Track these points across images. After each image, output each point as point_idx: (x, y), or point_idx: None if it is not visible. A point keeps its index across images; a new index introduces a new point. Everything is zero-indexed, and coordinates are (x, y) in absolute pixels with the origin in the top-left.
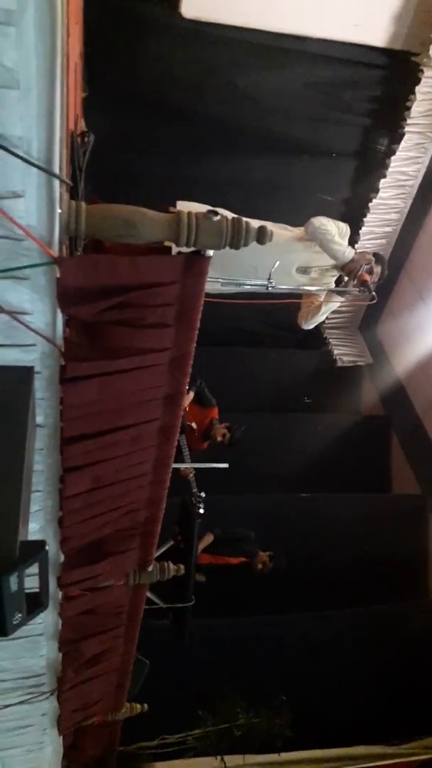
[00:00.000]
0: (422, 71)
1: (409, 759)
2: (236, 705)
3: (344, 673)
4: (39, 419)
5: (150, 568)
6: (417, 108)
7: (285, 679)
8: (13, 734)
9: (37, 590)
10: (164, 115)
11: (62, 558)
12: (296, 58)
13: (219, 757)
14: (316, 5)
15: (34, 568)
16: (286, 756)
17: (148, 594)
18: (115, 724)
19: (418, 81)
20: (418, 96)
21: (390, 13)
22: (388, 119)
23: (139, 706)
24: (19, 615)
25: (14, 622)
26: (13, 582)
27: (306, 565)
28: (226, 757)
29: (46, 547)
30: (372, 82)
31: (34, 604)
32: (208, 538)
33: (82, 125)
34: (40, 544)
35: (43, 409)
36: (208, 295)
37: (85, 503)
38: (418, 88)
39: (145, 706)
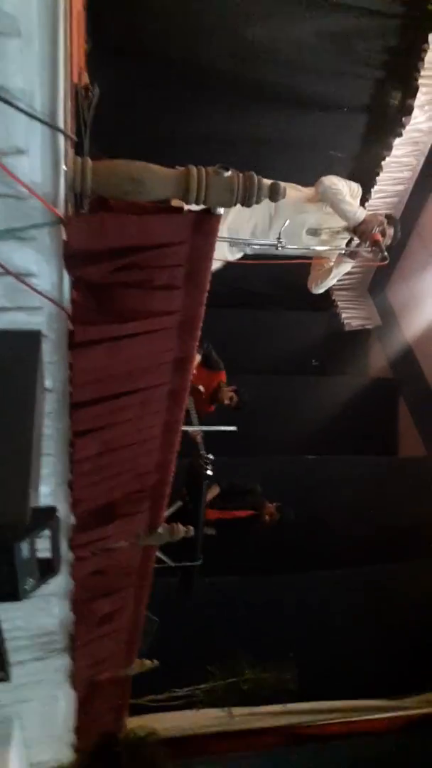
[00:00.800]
0: None
1: (412, 712)
2: (243, 661)
3: (350, 630)
4: (47, 383)
5: (159, 530)
6: (430, 57)
7: (292, 635)
8: (28, 689)
9: (49, 555)
10: (170, 69)
11: (73, 520)
12: (306, 7)
13: (227, 709)
14: None
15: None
16: (291, 707)
17: (158, 553)
18: (126, 679)
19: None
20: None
21: None
22: (402, 71)
23: (149, 662)
24: (31, 580)
25: (26, 587)
26: (24, 548)
27: (313, 526)
28: (234, 709)
29: (57, 513)
30: (386, 32)
31: (46, 569)
32: (215, 490)
33: (86, 78)
34: (51, 511)
35: (51, 373)
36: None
37: (94, 467)
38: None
39: (155, 661)
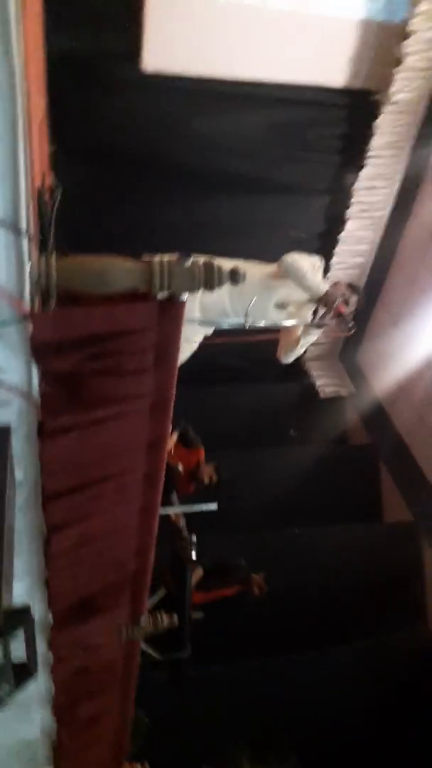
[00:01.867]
0: (381, 107)
1: None
2: (242, 755)
3: (349, 712)
4: (18, 476)
5: (142, 621)
6: (377, 141)
7: (290, 721)
8: None
9: (24, 658)
10: (132, 164)
11: (50, 618)
12: (257, 103)
13: None
14: (274, 51)
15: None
16: None
17: (143, 646)
18: None
19: (376, 117)
20: (377, 130)
21: (348, 54)
22: (351, 154)
23: (139, 765)
24: (7, 686)
25: (2, 695)
26: None
27: (303, 601)
28: None
29: (32, 613)
30: (333, 121)
31: (22, 673)
32: (198, 572)
33: (50, 179)
34: (25, 611)
35: (22, 466)
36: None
37: (71, 561)
38: (376, 123)
39: (146, 764)
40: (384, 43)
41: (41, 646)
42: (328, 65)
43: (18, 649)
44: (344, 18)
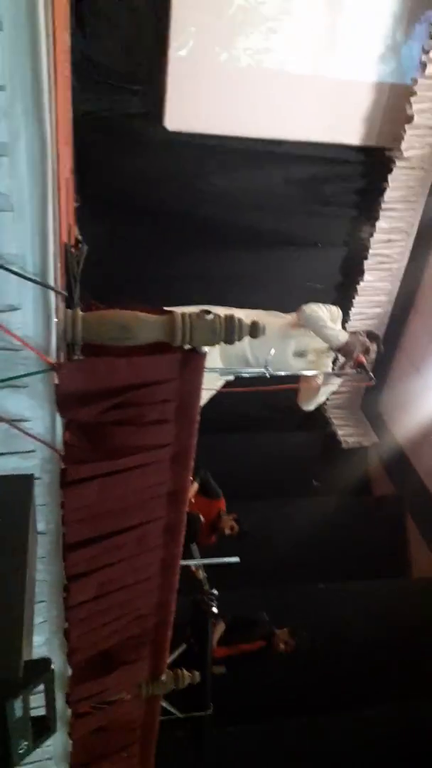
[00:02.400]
0: (394, 163)
1: None
2: None
3: None
4: (40, 526)
5: (163, 678)
6: (390, 194)
7: None
8: None
9: (43, 712)
10: (155, 218)
11: (69, 672)
12: (276, 160)
13: None
14: (292, 112)
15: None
16: None
17: (164, 703)
18: None
19: (390, 171)
20: (392, 184)
21: (362, 114)
22: (367, 207)
23: None
24: (25, 743)
25: (20, 751)
26: (17, 707)
27: (327, 659)
28: None
29: (52, 666)
30: (349, 177)
31: (41, 728)
32: (220, 627)
33: (75, 233)
34: (46, 663)
35: (44, 516)
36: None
37: (91, 612)
38: (390, 177)
39: None
40: (395, 103)
41: (59, 701)
42: (343, 124)
43: (36, 705)
44: (358, 80)
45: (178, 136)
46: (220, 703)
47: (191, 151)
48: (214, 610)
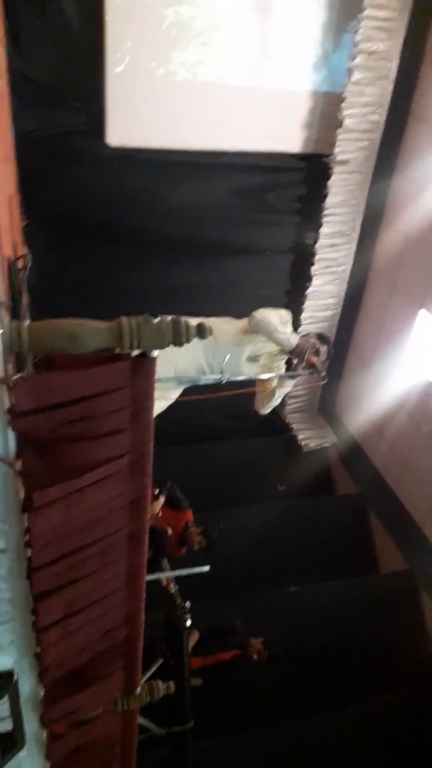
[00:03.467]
0: (332, 168)
1: None
2: None
3: None
4: (1, 545)
5: (138, 690)
6: (331, 199)
7: None
8: None
9: (9, 728)
10: (103, 234)
11: (42, 692)
12: (218, 171)
13: None
14: (231, 123)
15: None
16: None
17: (142, 721)
18: None
19: (329, 176)
20: (332, 189)
21: (298, 122)
22: (309, 213)
23: None
24: None
25: None
26: None
27: (303, 661)
28: None
29: (15, 677)
30: (290, 183)
31: (9, 743)
32: (194, 636)
33: (22, 250)
34: (8, 676)
35: (4, 533)
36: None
37: (60, 630)
38: (329, 182)
39: None
40: (330, 110)
41: (33, 723)
42: (281, 133)
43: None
44: (292, 90)
45: (121, 151)
46: (197, 716)
47: (135, 165)
48: (188, 623)
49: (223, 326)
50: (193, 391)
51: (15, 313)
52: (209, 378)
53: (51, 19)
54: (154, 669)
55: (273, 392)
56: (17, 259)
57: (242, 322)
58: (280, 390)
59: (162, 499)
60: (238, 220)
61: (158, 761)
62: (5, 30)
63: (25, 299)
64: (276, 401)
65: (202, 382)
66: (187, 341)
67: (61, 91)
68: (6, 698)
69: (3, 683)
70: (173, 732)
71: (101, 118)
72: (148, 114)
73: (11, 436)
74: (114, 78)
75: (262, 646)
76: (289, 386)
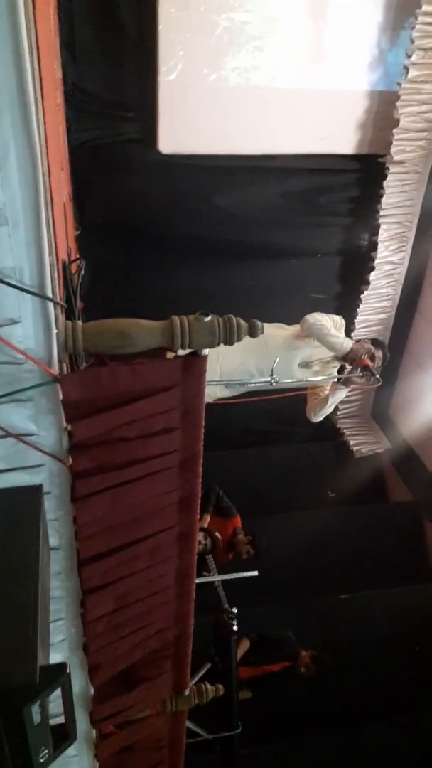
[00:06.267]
0: (388, 169)
1: None
2: None
3: None
4: (53, 541)
5: (186, 692)
6: (387, 200)
7: None
8: None
9: (61, 720)
10: (155, 241)
11: (92, 691)
12: (270, 174)
13: None
14: (283, 126)
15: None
16: None
17: (190, 725)
18: None
19: (385, 177)
20: (387, 189)
21: (353, 123)
22: (364, 215)
23: None
24: (46, 751)
25: (41, 760)
26: (35, 713)
27: (355, 671)
28: None
29: (68, 670)
30: (344, 185)
31: (60, 736)
32: (245, 644)
33: (75, 255)
34: (61, 667)
35: (56, 530)
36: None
37: (109, 626)
38: (386, 183)
39: None
40: (385, 110)
41: (83, 722)
42: (335, 134)
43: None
44: (347, 90)
45: (173, 158)
46: (245, 724)
47: (187, 172)
48: (235, 628)
49: (274, 331)
50: (244, 394)
51: (69, 314)
52: (260, 380)
53: (106, 31)
54: (202, 672)
55: (326, 399)
56: (72, 262)
57: (294, 328)
58: (333, 397)
59: (208, 518)
60: (290, 224)
61: (205, 766)
62: (61, 42)
63: (78, 305)
64: (329, 409)
65: (252, 385)
66: (239, 339)
67: (114, 102)
68: (59, 691)
69: (56, 674)
70: (221, 737)
71: (153, 126)
72: (200, 120)
73: (65, 436)
74: (166, 86)
75: (310, 661)
76: (342, 394)
